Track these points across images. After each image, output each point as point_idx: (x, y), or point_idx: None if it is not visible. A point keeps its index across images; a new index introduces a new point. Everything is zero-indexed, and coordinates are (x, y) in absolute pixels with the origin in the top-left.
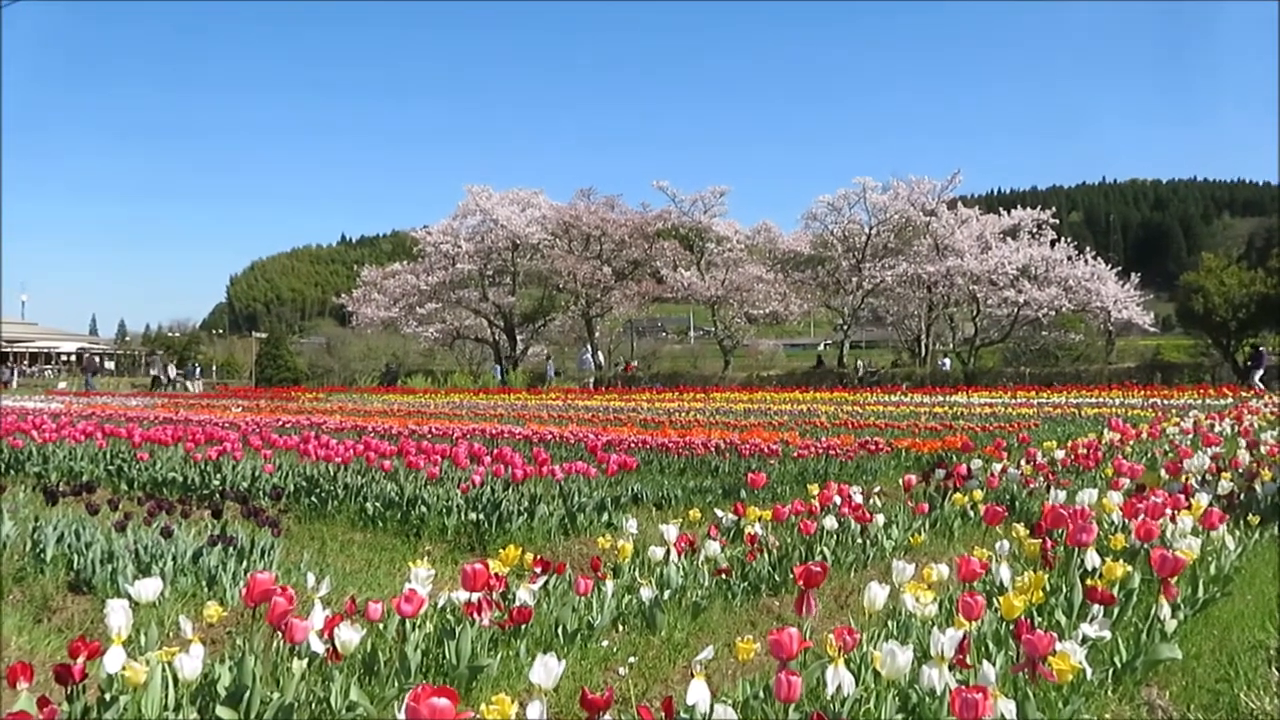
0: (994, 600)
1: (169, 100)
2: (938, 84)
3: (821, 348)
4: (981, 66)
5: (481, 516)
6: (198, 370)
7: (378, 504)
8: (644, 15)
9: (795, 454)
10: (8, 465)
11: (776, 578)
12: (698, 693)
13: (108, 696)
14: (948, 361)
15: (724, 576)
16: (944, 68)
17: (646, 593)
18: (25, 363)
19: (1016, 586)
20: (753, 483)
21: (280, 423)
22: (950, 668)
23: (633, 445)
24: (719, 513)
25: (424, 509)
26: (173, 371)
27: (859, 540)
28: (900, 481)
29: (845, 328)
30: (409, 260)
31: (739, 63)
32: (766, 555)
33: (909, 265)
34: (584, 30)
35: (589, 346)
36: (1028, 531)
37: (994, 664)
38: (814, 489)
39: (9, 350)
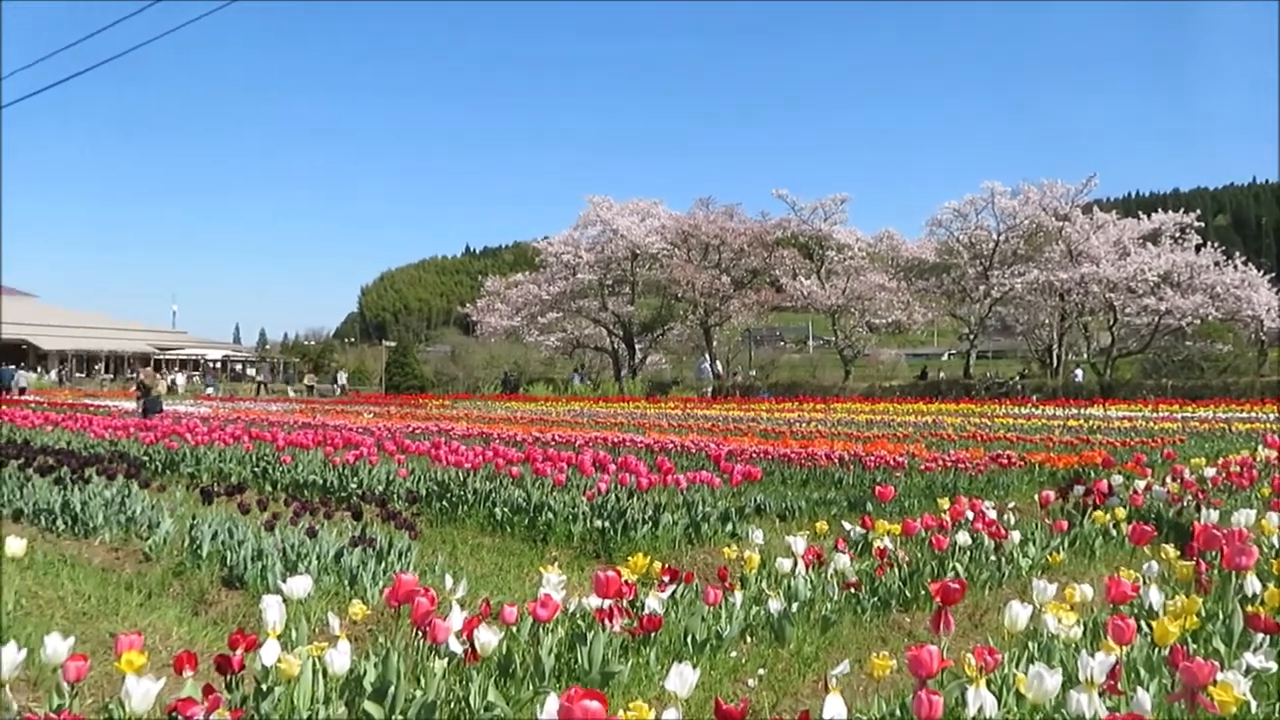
0: (1143, 624)
1: (306, 118)
2: (1070, 84)
3: (945, 357)
4: (1116, 65)
5: (607, 524)
6: (278, 374)
7: (506, 509)
8: (763, 21)
9: (922, 467)
10: (164, 466)
11: (907, 593)
12: (834, 708)
13: (264, 687)
14: (1081, 373)
15: (853, 590)
16: (1076, 67)
17: (775, 604)
18: (176, 369)
19: (1169, 611)
20: (880, 495)
21: (410, 429)
22: (1100, 694)
23: (754, 455)
24: (846, 525)
25: (550, 515)
26: (311, 379)
27: (993, 557)
28: (1035, 497)
29: (971, 337)
30: (530, 270)
31: (860, 68)
32: (897, 570)
33: (1040, 272)
34: (703, 38)
35: (707, 356)
36: (1177, 553)
37: (1148, 691)
38: (944, 503)
39: (162, 357)
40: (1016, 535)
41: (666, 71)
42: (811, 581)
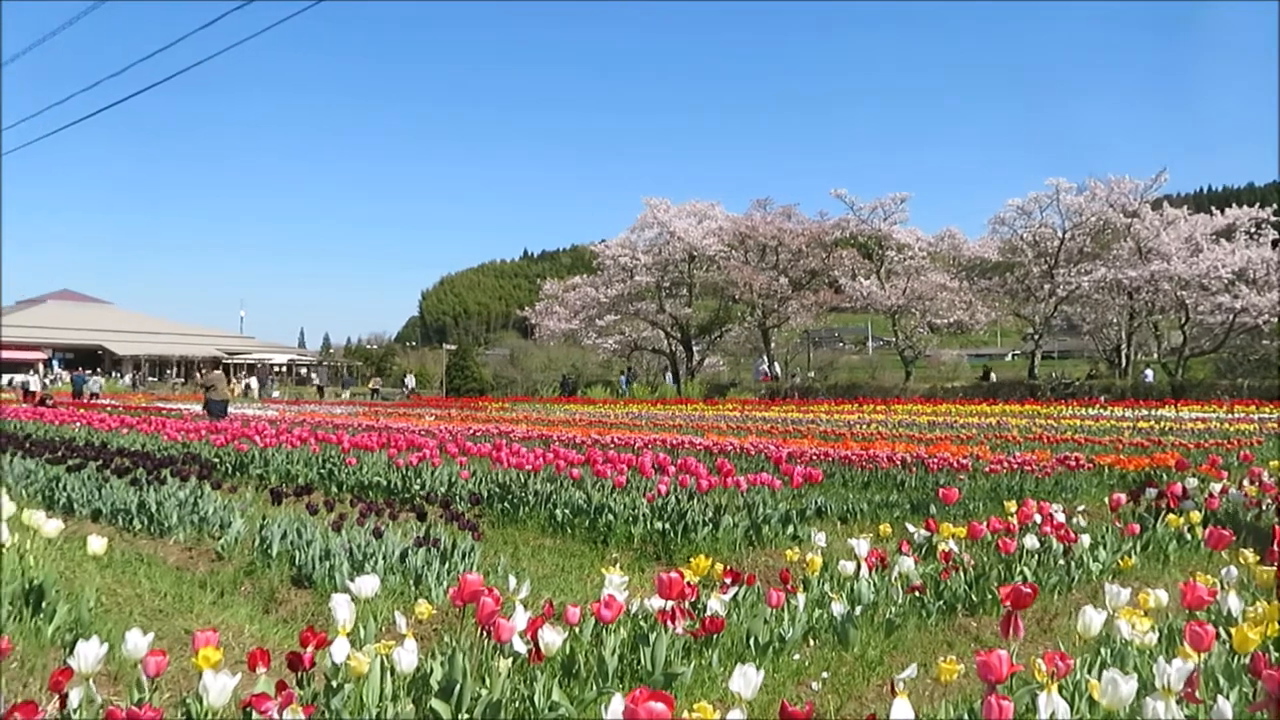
0: (1221, 631)
1: (367, 125)
2: (1138, 79)
3: (1009, 358)
4: (1183, 57)
5: (667, 525)
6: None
7: (567, 511)
8: (821, 19)
9: (987, 469)
10: (234, 467)
11: (974, 597)
12: (901, 712)
13: (334, 684)
14: (1151, 373)
15: (918, 594)
16: (1143, 60)
17: (838, 607)
18: (244, 373)
19: (1249, 617)
20: (944, 498)
21: (471, 431)
22: (1178, 701)
23: (814, 457)
24: (910, 528)
25: (611, 517)
26: (376, 383)
27: (1062, 562)
28: (1105, 500)
29: (1036, 337)
30: (588, 273)
31: (921, 66)
32: (962, 574)
33: (1108, 270)
34: (760, 37)
35: (765, 357)
36: (1257, 558)
37: (1229, 700)
38: (1011, 506)
39: (230, 362)
40: (1086, 539)
41: (724, 72)
42: (875, 584)
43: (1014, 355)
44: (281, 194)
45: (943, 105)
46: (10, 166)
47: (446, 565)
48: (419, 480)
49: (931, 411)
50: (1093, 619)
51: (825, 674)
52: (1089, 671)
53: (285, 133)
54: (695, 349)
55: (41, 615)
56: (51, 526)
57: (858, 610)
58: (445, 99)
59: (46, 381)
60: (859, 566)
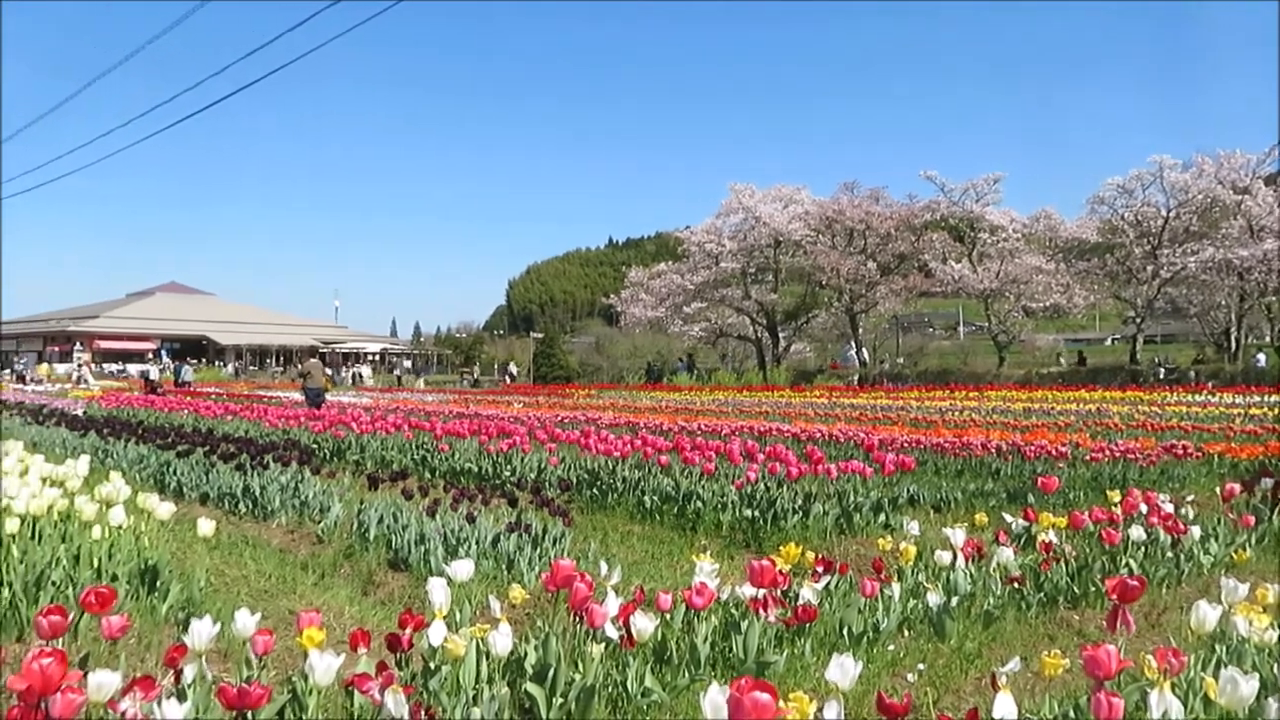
0: None
1: (454, 117)
2: (1242, 50)
3: (1109, 342)
4: None
5: (756, 513)
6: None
7: (655, 498)
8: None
9: (1087, 457)
10: (332, 453)
11: (1076, 590)
12: (1003, 707)
13: (431, 666)
14: (1264, 357)
15: (1016, 585)
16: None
17: (934, 598)
18: (352, 362)
19: None
20: (1043, 487)
21: (559, 418)
22: None
23: (905, 445)
24: (1007, 518)
25: (699, 504)
26: (476, 371)
27: (1170, 554)
28: (1216, 490)
29: (1138, 320)
30: (673, 260)
31: (1010, 44)
32: (1064, 565)
33: (1216, 250)
34: (845, 20)
35: (853, 343)
36: None
37: None
38: (1114, 496)
39: (325, 350)
40: (1196, 531)
41: (808, 56)
42: (971, 575)
43: (1114, 339)
44: (373, 186)
45: (1037, 82)
46: (120, 164)
47: (538, 550)
48: (509, 466)
49: (1027, 398)
50: (1207, 614)
51: (921, 666)
52: (1203, 669)
53: (377, 126)
54: (781, 335)
55: (156, 594)
56: (165, 509)
57: (954, 601)
58: (531, 91)
59: (159, 370)
60: (955, 556)
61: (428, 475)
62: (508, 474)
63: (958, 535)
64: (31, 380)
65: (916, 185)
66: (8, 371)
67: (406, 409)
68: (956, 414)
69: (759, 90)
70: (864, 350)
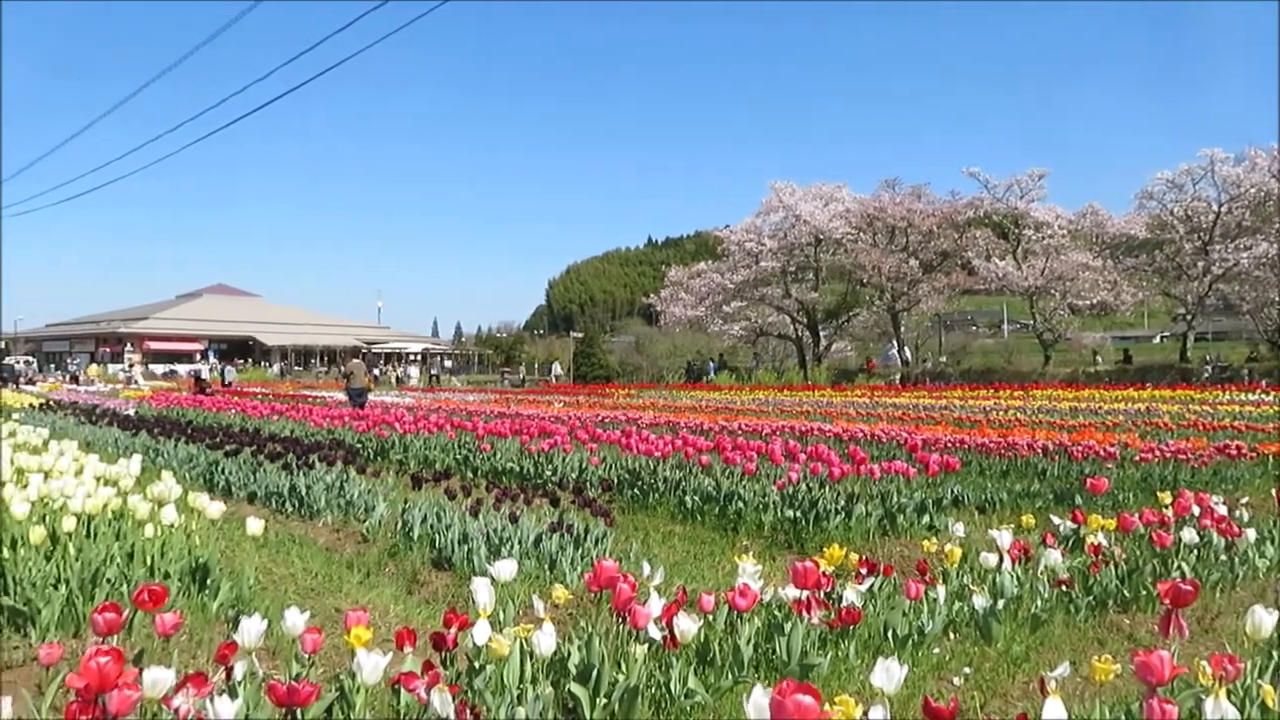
0: None
1: (491, 118)
2: None
3: (1158, 340)
4: None
5: (798, 513)
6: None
7: (696, 498)
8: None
9: (1136, 458)
10: (376, 453)
11: (1126, 593)
12: (1053, 711)
13: (476, 665)
14: None
15: (1064, 588)
16: None
17: (979, 600)
18: (381, 362)
19: None
20: (1092, 488)
21: (599, 417)
22: None
23: (949, 445)
24: (1054, 519)
25: (741, 504)
26: (523, 371)
27: (1224, 557)
28: (1272, 492)
29: (1188, 318)
30: (712, 259)
31: (1055, 38)
32: (1113, 568)
33: (1270, 245)
34: (883, 18)
35: (894, 342)
36: None
37: None
38: (1165, 497)
39: (367, 351)
40: (1251, 533)
41: (847, 54)
42: (1018, 578)
43: (1163, 337)
44: (413, 187)
45: (1083, 76)
46: (169, 168)
47: (580, 550)
48: (550, 466)
49: (1073, 397)
50: (1263, 619)
51: (967, 669)
52: (1260, 676)
53: (416, 127)
54: (822, 334)
55: (207, 591)
56: (215, 508)
57: (1000, 604)
58: (568, 91)
59: (209, 370)
60: (1001, 558)
61: (470, 475)
62: (549, 474)
63: (1004, 537)
64: (84, 381)
65: (959, 182)
66: (61, 372)
67: (448, 409)
68: (1001, 413)
69: (796, 89)
70: (906, 349)
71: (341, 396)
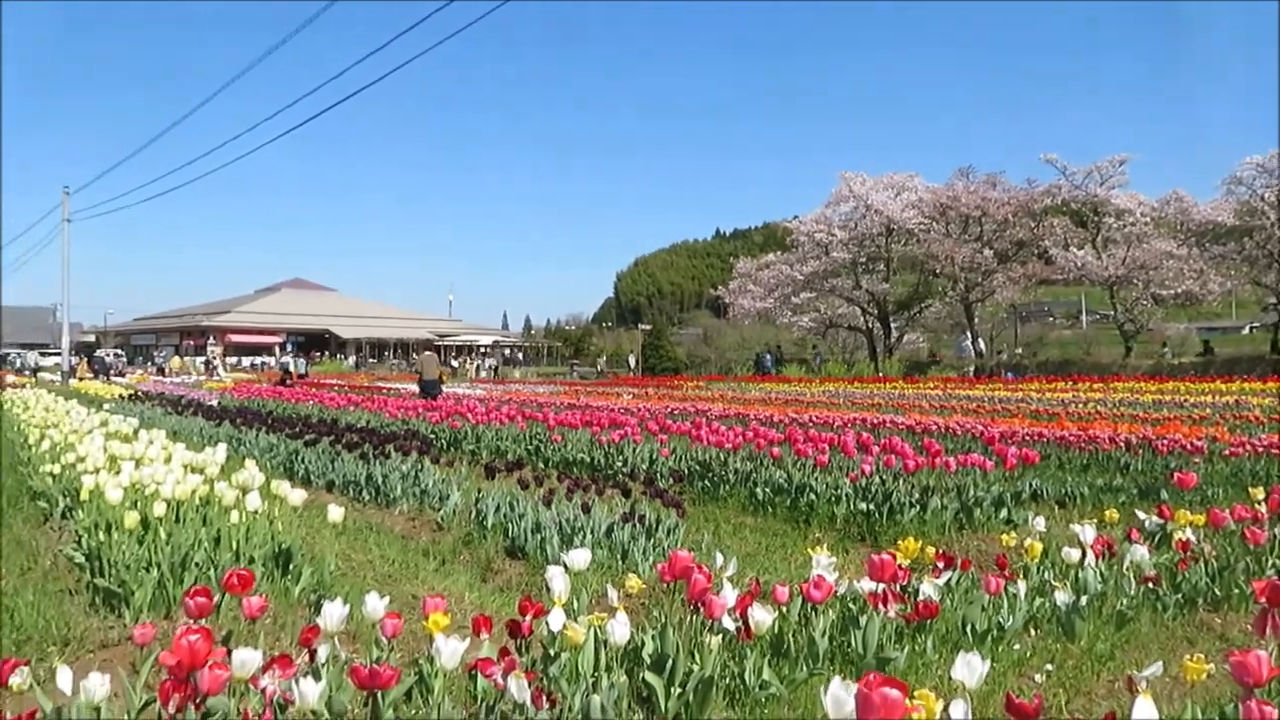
0: None
1: (561, 112)
2: None
3: (1247, 331)
4: None
5: (871, 506)
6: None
7: (767, 490)
8: None
9: (1225, 452)
10: (449, 443)
11: (1217, 591)
12: (1144, 711)
13: (551, 652)
14: None
15: (1151, 585)
16: None
17: (1062, 596)
18: (452, 355)
19: None
20: (1179, 483)
21: (668, 409)
22: None
23: (1026, 438)
24: (1140, 515)
25: (813, 496)
26: (601, 363)
27: None
28: None
29: (1279, 307)
30: (781, 250)
31: (1141, 18)
32: (1203, 565)
33: None
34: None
35: (968, 333)
36: None
37: None
38: (1258, 493)
39: (441, 344)
40: None
41: (920, 40)
42: (1102, 574)
43: (1252, 328)
44: (483, 181)
45: (1168, 59)
46: (247, 166)
47: (651, 541)
48: (620, 457)
49: (1156, 390)
50: None
51: (1049, 666)
52: None
53: (487, 122)
54: (893, 326)
55: (289, 576)
56: (297, 496)
57: (1083, 600)
58: (637, 84)
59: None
60: (1084, 554)
61: (541, 465)
62: (619, 464)
63: (1087, 532)
64: (168, 373)
65: (1036, 169)
66: (149, 364)
67: (519, 400)
68: (1080, 406)
69: (866, 78)
70: (980, 340)
71: (414, 388)
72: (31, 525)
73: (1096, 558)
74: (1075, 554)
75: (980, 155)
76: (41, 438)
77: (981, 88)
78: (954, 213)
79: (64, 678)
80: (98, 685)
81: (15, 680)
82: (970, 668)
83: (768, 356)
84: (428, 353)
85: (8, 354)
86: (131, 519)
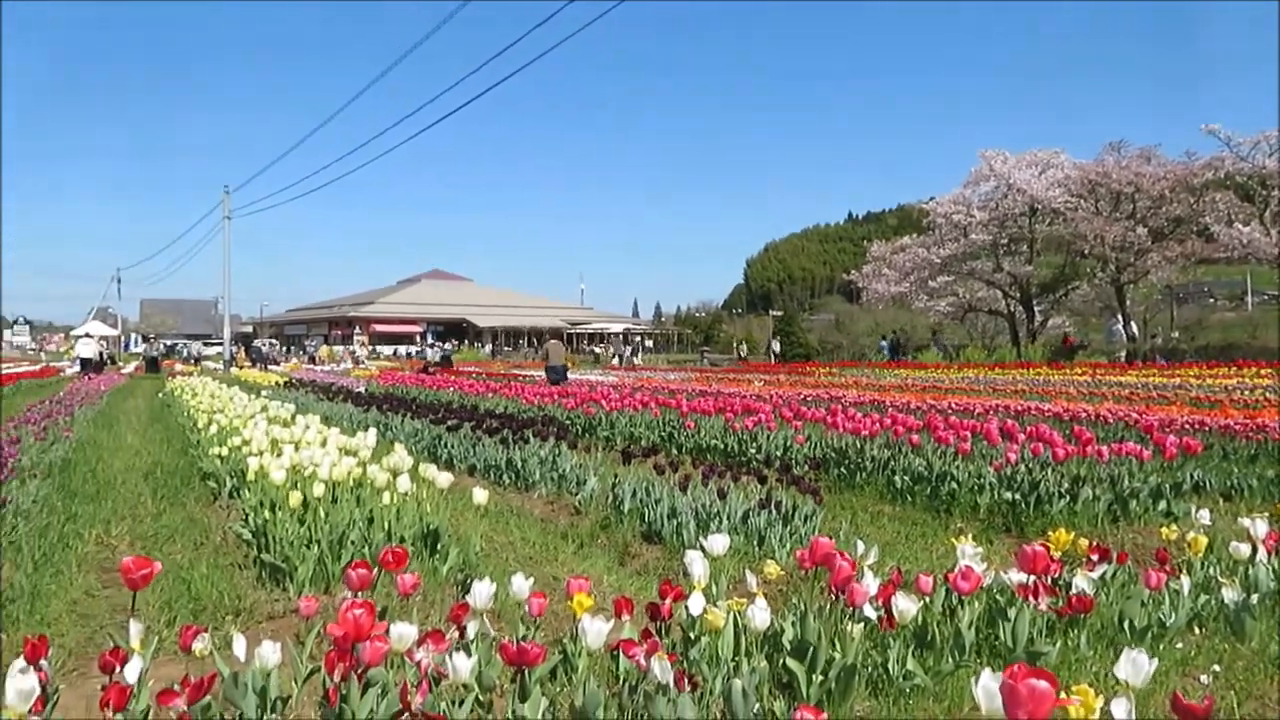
0: None
1: (686, 99)
2: None
3: None
4: None
5: (1017, 496)
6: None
7: (906, 478)
8: None
9: None
10: (584, 429)
11: None
12: None
13: (691, 636)
14: None
15: None
16: None
17: (1230, 594)
18: (585, 342)
19: None
20: None
21: (801, 396)
22: None
23: (1186, 426)
24: None
25: (954, 485)
26: (743, 350)
27: None
28: None
29: None
30: (916, 233)
31: None
32: None
33: None
34: None
35: (1119, 317)
36: None
37: None
38: None
39: (572, 332)
40: None
41: (1059, 13)
42: (1275, 571)
43: None
44: (614, 169)
45: None
46: (390, 161)
47: (788, 527)
48: (754, 444)
49: None
50: None
51: (1216, 667)
52: None
53: (616, 111)
54: (1037, 309)
55: (437, 556)
56: (444, 479)
57: (1254, 598)
58: (765, 69)
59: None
60: (1255, 549)
61: (675, 451)
62: (753, 451)
63: (1259, 526)
64: (318, 362)
65: (1196, 141)
66: (301, 353)
67: (651, 387)
68: (1246, 393)
69: (1005, 54)
70: (1132, 324)
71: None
72: (203, 504)
73: (1269, 553)
74: (1245, 549)
75: (1132, 129)
76: (209, 422)
77: (1131, 58)
78: (1104, 190)
79: (239, 645)
80: (270, 653)
81: (197, 645)
82: (1135, 665)
83: (882, 343)
84: (553, 340)
85: (176, 344)
86: (295, 499)
